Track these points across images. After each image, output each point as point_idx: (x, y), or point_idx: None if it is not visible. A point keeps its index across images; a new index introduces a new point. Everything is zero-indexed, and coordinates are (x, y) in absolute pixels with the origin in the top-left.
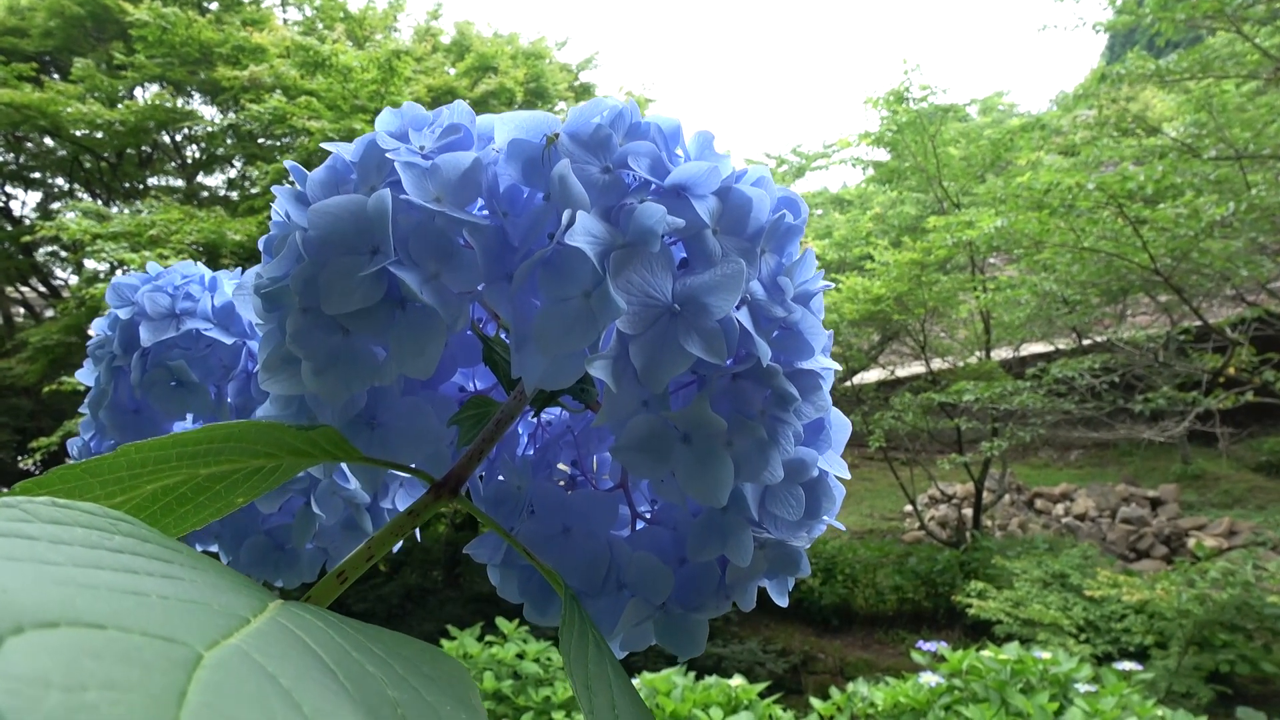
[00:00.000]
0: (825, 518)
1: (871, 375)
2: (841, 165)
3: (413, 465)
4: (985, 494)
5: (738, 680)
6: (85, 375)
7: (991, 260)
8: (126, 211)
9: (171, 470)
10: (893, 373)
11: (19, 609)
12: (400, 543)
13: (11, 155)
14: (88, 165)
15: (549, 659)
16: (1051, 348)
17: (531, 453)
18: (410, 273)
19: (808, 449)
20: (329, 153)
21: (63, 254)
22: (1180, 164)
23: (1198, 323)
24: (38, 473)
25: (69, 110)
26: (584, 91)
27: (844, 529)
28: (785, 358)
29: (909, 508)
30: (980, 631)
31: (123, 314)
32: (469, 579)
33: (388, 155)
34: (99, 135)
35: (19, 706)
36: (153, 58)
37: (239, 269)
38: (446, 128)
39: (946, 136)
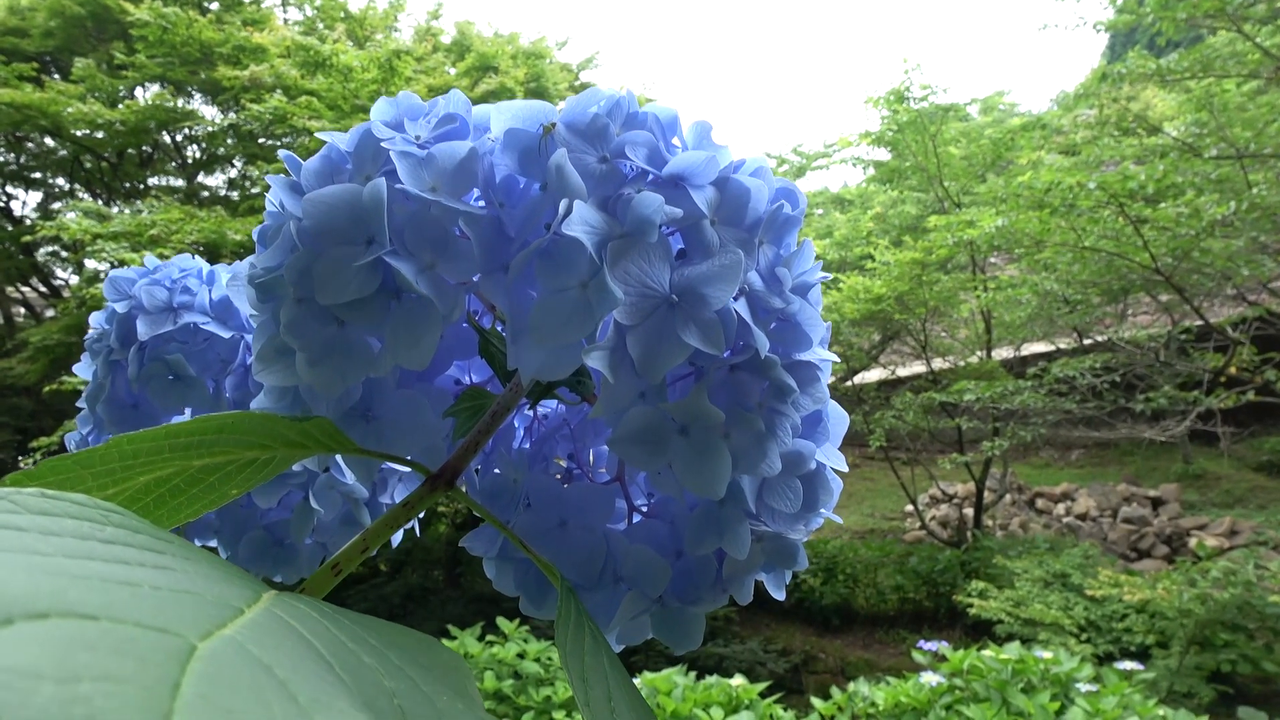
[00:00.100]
0: (823, 511)
1: (872, 375)
2: (842, 165)
3: (408, 457)
4: (986, 493)
5: (739, 680)
6: (83, 369)
7: (992, 260)
8: (127, 211)
9: (164, 462)
10: (894, 372)
11: (9, 600)
12: (400, 539)
13: (12, 155)
14: (88, 165)
15: (550, 659)
16: (1052, 347)
17: (528, 446)
18: (406, 263)
19: (805, 441)
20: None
21: (63, 254)
22: (1181, 163)
23: (1199, 322)
24: None
25: (70, 110)
26: None
27: (841, 522)
28: (783, 349)
29: (910, 507)
30: (981, 631)
31: (120, 308)
32: (470, 579)
33: (383, 145)
34: (99, 135)
35: (11, 700)
36: (153, 58)
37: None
38: (442, 117)
39: (947, 136)
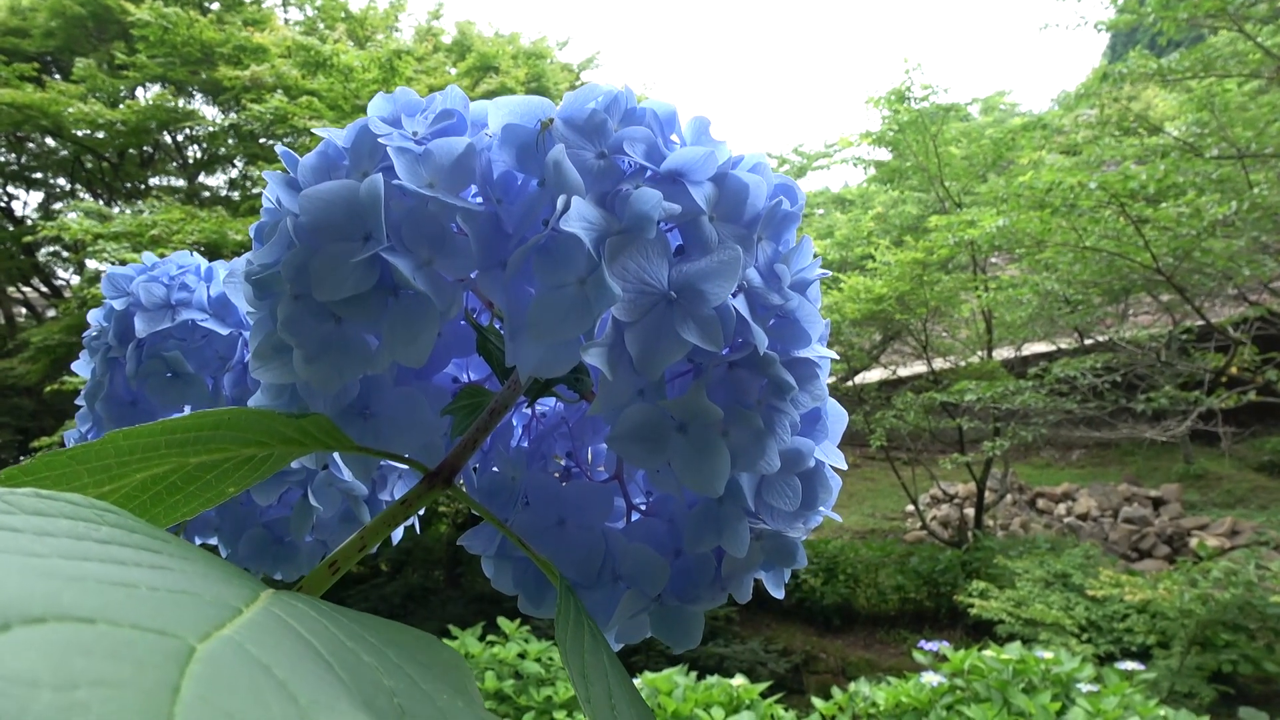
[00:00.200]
0: (822, 508)
1: (873, 375)
2: (843, 165)
3: (406, 455)
4: (987, 494)
5: (739, 680)
6: (81, 367)
7: (993, 260)
8: (128, 211)
9: (160, 458)
10: (894, 372)
11: (5, 605)
12: (400, 537)
13: (13, 155)
14: (89, 165)
15: (550, 659)
16: (1053, 347)
17: (526, 444)
18: (403, 259)
19: (804, 439)
20: None
21: (64, 254)
22: (1182, 163)
23: (1200, 322)
24: None
25: (70, 110)
26: None
27: (841, 521)
28: (782, 346)
29: (911, 507)
30: (982, 631)
31: (118, 305)
32: (471, 578)
33: (380, 140)
34: (100, 135)
35: (9, 708)
36: (154, 58)
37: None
38: (440, 113)
39: (948, 136)
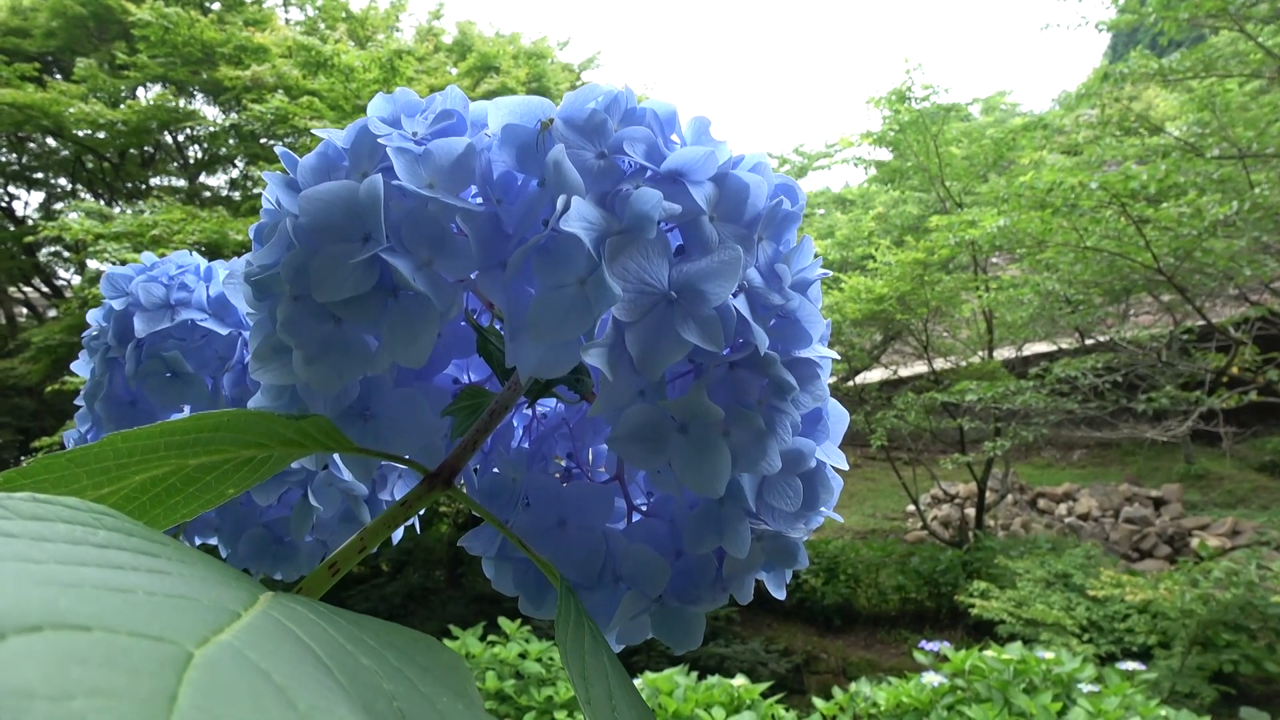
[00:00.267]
0: (823, 509)
1: (874, 375)
2: (844, 165)
3: (406, 456)
4: (988, 494)
5: (740, 680)
6: (80, 367)
7: (994, 260)
8: (129, 211)
9: (160, 460)
10: (895, 372)
11: (1, 613)
12: (400, 537)
13: (14, 155)
14: (90, 165)
15: (551, 659)
16: (1054, 347)
17: (527, 444)
18: (403, 260)
19: (805, 439)
20: None
21: (65, 254)
22: (1183, 163)
23: (1201, 322)
24: None
25: (71, 110)
26: None
27: (842, 521)
28: (783, 346)
29: (911, 507)
30: (983, 631)
31: (117, 305)
32: (471, 579)
33: (380, 141)
34: (101, 135)
35: (4, 719)
36: (155, 58)
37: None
38: (440, 113)
39: (949, 136)
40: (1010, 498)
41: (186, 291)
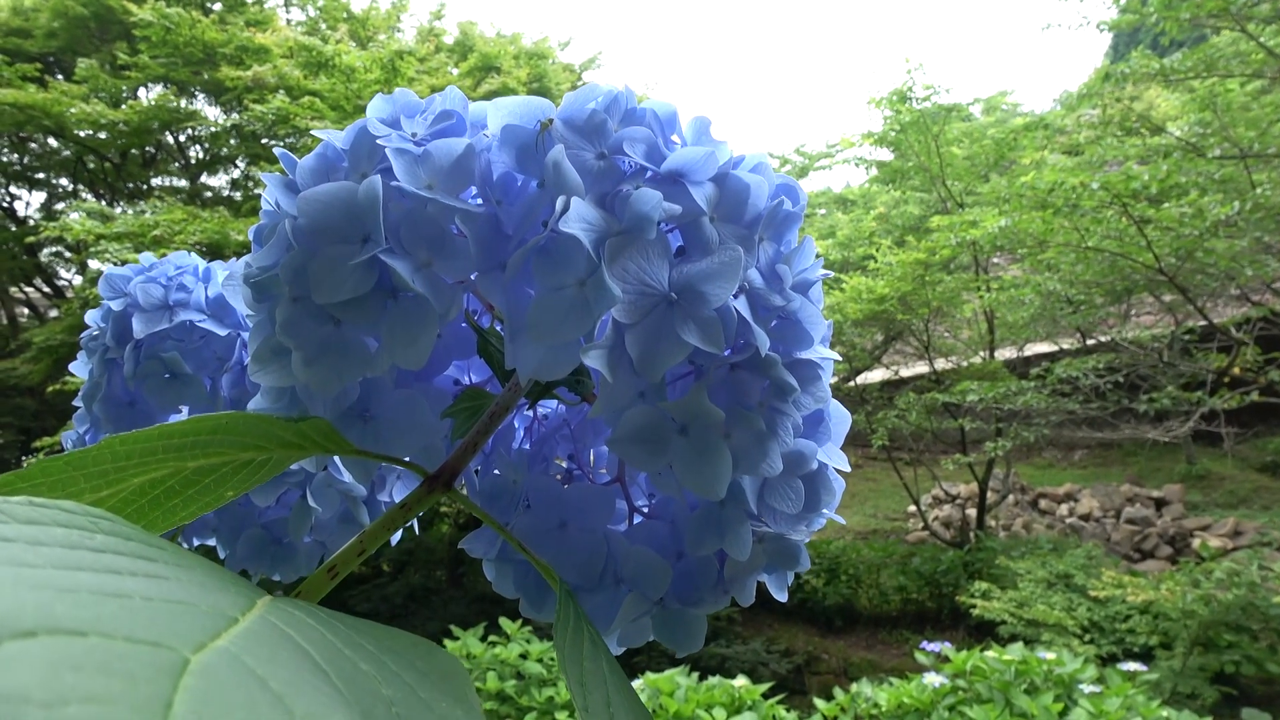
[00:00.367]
0: (825, 511)
1: (875, 375)
2: (845, 165)
3: (406, 458)
4: (989, 494)
5: (741, 680)
6: (79, 368)
7: (995, 260)
8: (130, 212)
9: (158, 463)
10: (896, 373)
11: None
12: (399, 538)
13: (16, 156)
14: (91, 165)
15: (552, 659)
16: (1055, 347)
17: (528, 446)
18: (402, 261)
19: (807, 441)
20: None
21: (66, 254)
22: (1185, 163)
23: (1202, 322)
24: None
25: (73, 111)
26: None
27: (844, 522)
28: (784, 347)
29: (913, 508)
30: (984, 632)
31: (115, 305)
32: (472, 579)
33: (379, 142)
34: (103, 136)
35: None
36: (156, 58)
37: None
38: (439, 114)
39: (950, 136)
40: (1011, 498)
41: (185, 292)
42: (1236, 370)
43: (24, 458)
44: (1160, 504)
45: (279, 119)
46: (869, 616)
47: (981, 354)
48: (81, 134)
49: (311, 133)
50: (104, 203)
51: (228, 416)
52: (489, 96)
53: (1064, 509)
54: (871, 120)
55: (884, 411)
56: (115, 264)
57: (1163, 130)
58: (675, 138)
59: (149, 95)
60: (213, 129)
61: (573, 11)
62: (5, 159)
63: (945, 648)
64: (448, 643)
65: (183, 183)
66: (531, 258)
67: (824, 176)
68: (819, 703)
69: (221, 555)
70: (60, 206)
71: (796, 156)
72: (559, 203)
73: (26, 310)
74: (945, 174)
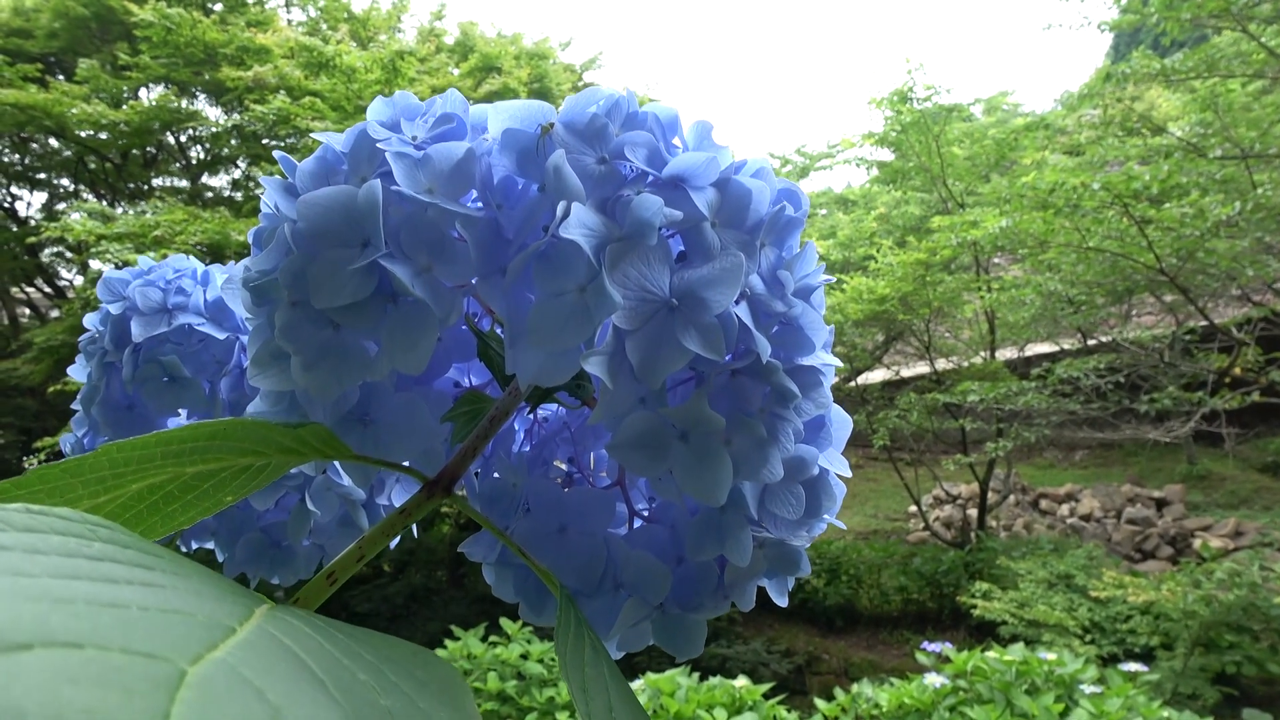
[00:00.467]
0: (826, 516)
1: (876, 375)
2: (845, 165)
3: (405, 463)
4: (990, 494)
5: (742, 681)
6: (78, 371)
7: (996, 260)
8: (131, 212)
9: (156, 469)
10: (897, 373)
11: None
12: (398, 541)
13: (17, 156)
14: (92, 166)
15: (553, 659)
16: (1056, 348)
17: (527, 449)
18: (401, 266)
19: (808, 446)
20: None
21: (68, 255)
22: (1186, 163)
23: (1203, 323)
24: None
25: (74, 111)
26: None
27: (845, 528)
28: (785, 353)
29: (913, 508)
30: (985, 632)
31: (114, 309)
32: (473, 579)
33: (379, 145)
34: (104, 136)
35: None
36: (157, 58)
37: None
38: (439, 117)
39: (951, 136)
40: (1012, 498)
41: (184, 296)
42: (1237, 370)
43: (25, 458)
44: (1161, 504)
45: (280, 119)
46: (870, 617)
47: (982, 354)
48: (82, 134)
49: (311, 135)
50: (105, 203)
51: (226, 423)
52: (490, 97)
53: (1065, 509)
54: (872, 120)
55: (885, 412)
56: (116, 264)
57: (1164, 130)
58: (677, 141)
59: (150, 95)
60: (214, 129)
61: (573, 12)
62: (6, 159)
63: (946, 648)
64: (448, 643)
65: (184, 183)
66: (532, 263)
67: (825, 176)
68: (820, 703)
69: (220, 558)
70: (61, 207)
71: (797, 157)
72: (559, 208)
73: (28, 310)
74: (946, 174)
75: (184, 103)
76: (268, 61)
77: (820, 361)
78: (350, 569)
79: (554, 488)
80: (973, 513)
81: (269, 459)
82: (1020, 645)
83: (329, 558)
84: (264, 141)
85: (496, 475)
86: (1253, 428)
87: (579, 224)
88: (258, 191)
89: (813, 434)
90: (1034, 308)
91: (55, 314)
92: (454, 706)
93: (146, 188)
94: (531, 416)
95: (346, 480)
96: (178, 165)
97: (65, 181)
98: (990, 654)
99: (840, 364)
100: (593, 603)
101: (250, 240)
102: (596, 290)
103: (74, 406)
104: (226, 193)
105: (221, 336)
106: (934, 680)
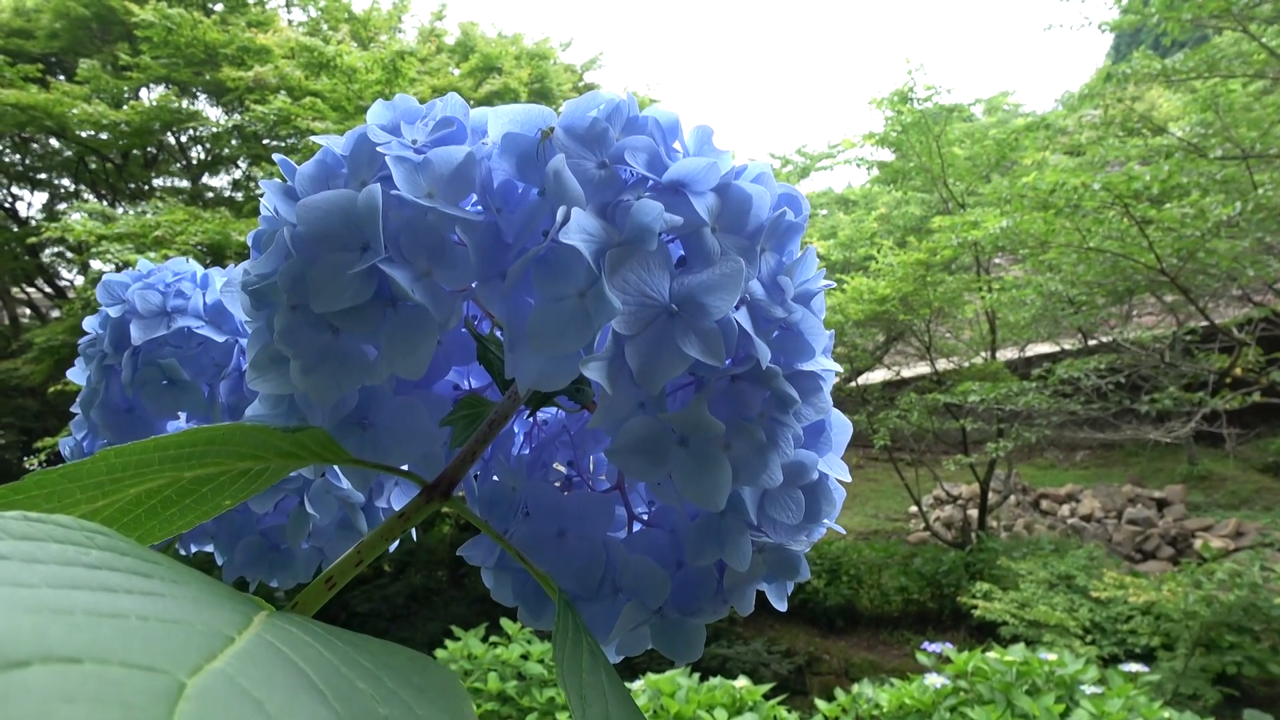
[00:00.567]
0: (825, 521)
1: (876, 375)
2: (846, 166)
3: (404, 467)
4: (991, 495)
5: (742, 681)
6: (77, 374)
7: (997, 260)
8: (132, 212)
9: (155, 473)
10: (898, 373)
11: None
12: (397, 544)
13: (18, 156)
14: (93, 166)
15: (553, 661)
16: (1057, 348)
17: (527, 453)
18: (401, 270)
19: (807, 452)
20: None
21: (68, 255)
22: (1186, 164)
23: (1204, 323)
24: None
25: (75, 111)
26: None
27: (844, 532)
28: (785, 359)
29: (914, 508)
30: (986, 633)
31: (113, 312)
32: (473, 579)
33: (379, 149)
34: (104, 136)
35: None
36: (158, 59)
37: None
38: (439, 121)
39: (951, 136)
40: (1013, 499)
41: (183, 299)
42: (1238, 371)
43: (25, 458)
44: (1162, 505)
45: (280, 119)
46: (870, 617)
47: (983, 354)
48: (83, 134)
49: (311, 138)
50: (105, 203)
51: (224, 427)
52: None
53: (1065, 510)
54: (873, 121)
55: (885, 412)
56: (117, 265)
57: (1164, 131)
58: (677, 146)
59: (150, 96)
60: (214, 129)
61: (574, 12)
62: (7, 159)
63: (946, 648)
64: (449, 643)
65: (184, 183)
66: (532, 267)
67: (825, 177)
68: (820, 703)
69: (219, 562)
70: (62, 207)
71: (798, 157)
72: (559, 213)
73: (28, 311)
74: (947, 174)
75: (184, 103)
76: (268, 62)
77: (820, 367)
78: (349, 573)
79: (553, 492)
80: (973, 513)
81: (268, 463)
82: (1021, 646)
83: (328, 561)
84: (265, 142)
85: (496, 479)
86: (1253, 428)
87: (579, 229)
88: (258, 192)
89: (812, 439)
90: (1035, 308)
91: (56, 314)
92: (452, 712)
93: (147, 188)
94: (531, 420)
95: (345, 484)
96: (178, 165)
97: (66, 182)
98: (991, 654)
99: (840, 368)
100: (592, 607)
101: (250, 243)
102: (596, 295)
103: (73, 409)
104: (227, 193)
105: (221, 340)
106: (934, 681)
